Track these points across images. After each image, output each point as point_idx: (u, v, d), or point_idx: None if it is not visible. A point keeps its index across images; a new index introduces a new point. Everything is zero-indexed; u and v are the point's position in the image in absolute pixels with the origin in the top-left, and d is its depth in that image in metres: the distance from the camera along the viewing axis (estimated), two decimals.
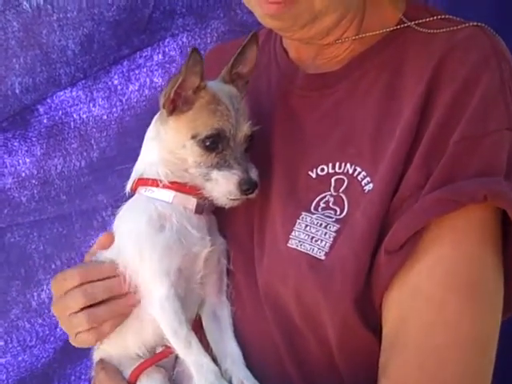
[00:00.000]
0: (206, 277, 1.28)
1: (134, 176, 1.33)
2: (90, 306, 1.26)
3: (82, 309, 1.26)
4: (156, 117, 1.32)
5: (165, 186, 1.27)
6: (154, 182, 1.28)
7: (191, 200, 1.27)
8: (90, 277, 1.26)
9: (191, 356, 1.19)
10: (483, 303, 1.10)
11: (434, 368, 1.08)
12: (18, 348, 1.84)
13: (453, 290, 1.09)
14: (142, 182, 1.30)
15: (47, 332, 1.84)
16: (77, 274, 1.27)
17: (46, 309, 1.82)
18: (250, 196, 1.23)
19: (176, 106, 1.25)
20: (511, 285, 1.14)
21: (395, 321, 1.12)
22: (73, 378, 1.87)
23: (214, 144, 1.23)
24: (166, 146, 1.28)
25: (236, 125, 1.24)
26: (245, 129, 1.25)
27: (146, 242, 1.24)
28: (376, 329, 1.14)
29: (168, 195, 1.27)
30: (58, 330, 1.83)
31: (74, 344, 1.32)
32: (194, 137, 1.24)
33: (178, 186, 1.27)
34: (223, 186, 1.22)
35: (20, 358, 1.83)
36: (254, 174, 1.23)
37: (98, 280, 1.26)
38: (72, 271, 1.29)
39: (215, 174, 1.23)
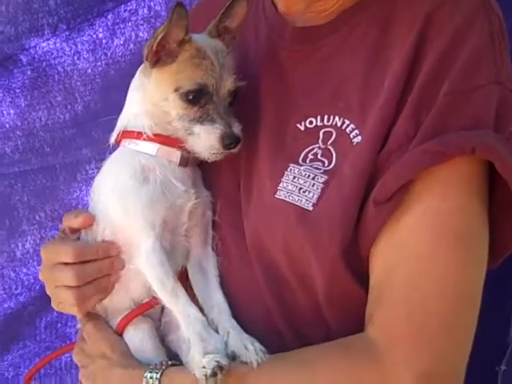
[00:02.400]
0: (191, 229, 1.22)
1: (118, 128, 1.25)
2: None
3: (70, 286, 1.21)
4: (141, 68, 1.24)
5: (148, 139, 1.20)
6: (139, 135, 1.21)
7: (175, 153, 1.20)
8: (83, 257, 1.20)
9: (178, 306, 1.14)
10: (470, 255, 1.06)
11: (421, 318, 1.04)
12: (4, 295, 1.79)
13: (440, 242, 1.05)
14: (126, 134, 1.23)
15: (32, 281, 1.79)
16: (72, 251, 1.20)
17: (30, 259, 1.78)
18: (233, 151, 1.17)
19: (159, 58, 1.18)
20: (496, 236, 1.10)
21: (382, 272, 1.08)
22: (59, 325, 1.82)
23: (196, 98, 1.16)
24: (149, 98, 1.20)
25: (220, 80, 1.17)
26: (228, 84, 1.18)
27: (130, 194, 1.17)
28: (364, 280, 1.10)
29: (152, 148, 1.20)
30: None
31: (55, 308, 1.27)
32: (176, 90, 1.16)
33: (162, 139, 1.20)
34: (205, 141, 1.16)
35: (6, 305, 1.79)
36: (236, 129, 1.16)
37: (91, 261, 1.20)
38: (67, 247, 1.22)
39: (197, 128, 1.16)
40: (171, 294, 1.14)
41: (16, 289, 1.78)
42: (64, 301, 1.22)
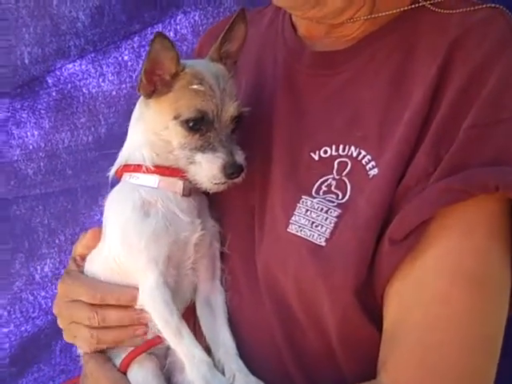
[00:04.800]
0: (198, 262, 1.18)
1: (118, 161, 1.22)
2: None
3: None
4: (140, 98, 1.22)
5: (149, 171, 1.17)
6: (138, 167, 1.18)
7: (177, 183, 1.17)
8: (106, 300, 1.16)
9: (182, 346, 1.10)
10: (489, 299, 1.01)
11: (435, 364, 0.98)
12: (21, 319, 1.77)
13: (458, 284, 0.99)
14: (127, 168, 1.20)
15: (50, 304, 1.77)
16: (94, 292, 1.17)
17: (49, 282, 1.76)
18: (236, 180, 1.13)
19: (156, 89, 1.15)
20: None
21: (397, 313, 1.02)
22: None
23: (196, 125, 1.12)
24: (150, 128, 1.17)
25: (221, 105, 1.13)
26: (231, 109, 1.14)
27: (132, 230, 1.14)
28: (377, 320, 1.05)
29: (153, 180, 1.17)
30: None
31: (67, 340, 1.26)
32: (176, 117, 1.13)
33: (163, 170, 1.17)
34: (207, 170, 1.12)
35: (23, 329, 1.77)
36: (239, 157, 1.12)
37: (114, 306, 1.16)
38: (90, 288, 1.18)
39: (199, 157, 1.13)
40: (175, 333, 1.10)
41: (33, 312, 1.77)
42: (78, 336, 1.20)
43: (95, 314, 1.16)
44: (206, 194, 1.20)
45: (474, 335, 0.99)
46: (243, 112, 1.15)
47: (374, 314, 1.04)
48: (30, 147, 1.68)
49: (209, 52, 1.20)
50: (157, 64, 1.11)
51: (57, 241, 1.73)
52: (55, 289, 1.75)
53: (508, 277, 1.02)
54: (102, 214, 1.68)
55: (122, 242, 1.16)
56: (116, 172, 1.22)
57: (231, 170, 1.10)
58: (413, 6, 1.14)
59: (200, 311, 1.19)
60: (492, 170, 0.99)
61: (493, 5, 1.11)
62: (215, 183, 1.13)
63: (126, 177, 1.19)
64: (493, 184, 0.97)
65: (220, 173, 1.11)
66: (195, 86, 1.11)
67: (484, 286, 1.00)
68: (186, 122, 1.12)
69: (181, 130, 1.13)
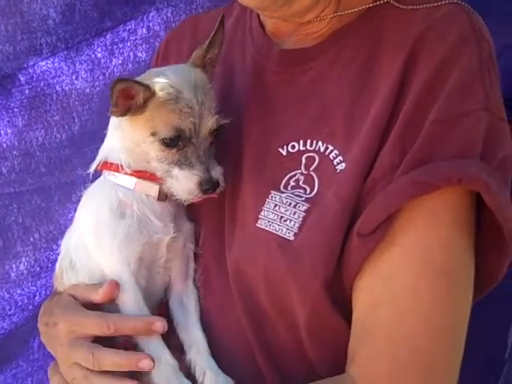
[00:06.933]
0: (170, 262, 1.18)
1: (98, 159, 1.21)
2: None
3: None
4: None
5: (126, 173, 1.16)
6: (117, 167, 1.17)
7: (153, 187, 1.15)
8: (118, 331, 1.10)
9: (150, 347, 1.09)
10: (455, 291, 1.01)
11: (405, 357, 0.99)
12: None
13: (426, 277, 1.00)
14: (106, 166, 1.19)
15: (26, 301, 1.75)
16: (104, 322, 1.09)
17: (24, 280, 1.73)
18: (212, 195, 1.12)
19: (129, 109, 1.11)
20: (483, 267, 1.05)
21: (366, 306, 1.02)
22: None
23: (174, 142, 1.10)
24: (127, 138, 1.15)
25: (199, 121, 1.11)
26: (210, 124, 1.12)
27: (106, 230, 1.13)
28: (346, 313, 1.04)
29: (130, 181, 1.16)
30: (36, 298, 1.74)
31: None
32: (153, 134, 1.11)
33: (140, 173, 1.16)
34: (183, 185, 1.11)
35: None
36: (216, 173, 1.11)
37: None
38: (96, 318, 1.11)
39: (176, 171, 1.11)
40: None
41: (10, 309, 1.74)
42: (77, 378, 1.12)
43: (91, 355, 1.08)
44: None
45: (441, 327, 0.99)
46: (223, 124, 1.13)
47: (343, 306, 1.04)
48: (4, 145, 1.65)
49: (191, 57, 1.17)
50: (126, 94, 1.08)
51: (31, 239, 1.70)
52: (31, 286, 1.75)
53: (472, 267, 1.03)
54: (75, 211, 1.70)
55: (94, 239, 1.15)
56: (97, 167, 1.20)
57: (207, 186, 1.10)
58: (377, 3, 1.14)
59: (173, 311, 1.18)
60: (455, 162, 0.99)
61: (455, 1, 1.11)
62: (191, 197, 1.12)
63: (106, 173, 1.18)
64: (456, 176, 0.98)
65: (196, 188, 1.10)
66: (171, 105, 1.08)
67: (450, 278, 1.00)
68: (163, 139, 1.10)
69: (158, 145, 1.11)
